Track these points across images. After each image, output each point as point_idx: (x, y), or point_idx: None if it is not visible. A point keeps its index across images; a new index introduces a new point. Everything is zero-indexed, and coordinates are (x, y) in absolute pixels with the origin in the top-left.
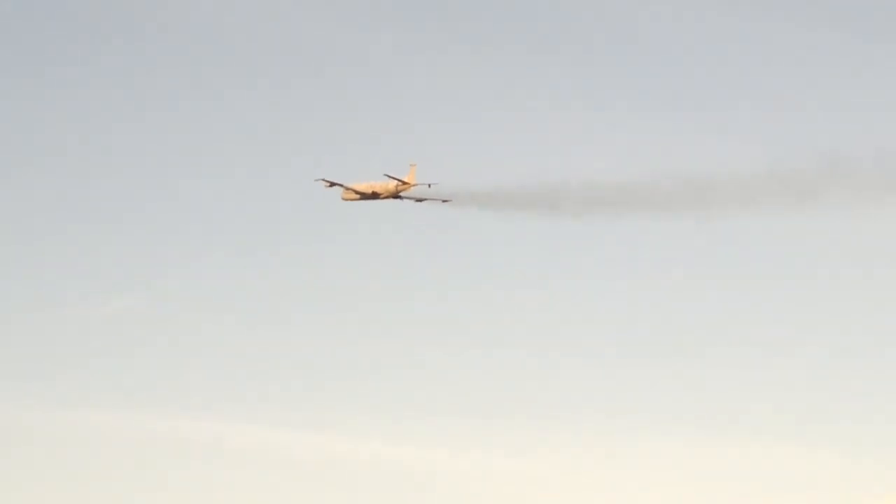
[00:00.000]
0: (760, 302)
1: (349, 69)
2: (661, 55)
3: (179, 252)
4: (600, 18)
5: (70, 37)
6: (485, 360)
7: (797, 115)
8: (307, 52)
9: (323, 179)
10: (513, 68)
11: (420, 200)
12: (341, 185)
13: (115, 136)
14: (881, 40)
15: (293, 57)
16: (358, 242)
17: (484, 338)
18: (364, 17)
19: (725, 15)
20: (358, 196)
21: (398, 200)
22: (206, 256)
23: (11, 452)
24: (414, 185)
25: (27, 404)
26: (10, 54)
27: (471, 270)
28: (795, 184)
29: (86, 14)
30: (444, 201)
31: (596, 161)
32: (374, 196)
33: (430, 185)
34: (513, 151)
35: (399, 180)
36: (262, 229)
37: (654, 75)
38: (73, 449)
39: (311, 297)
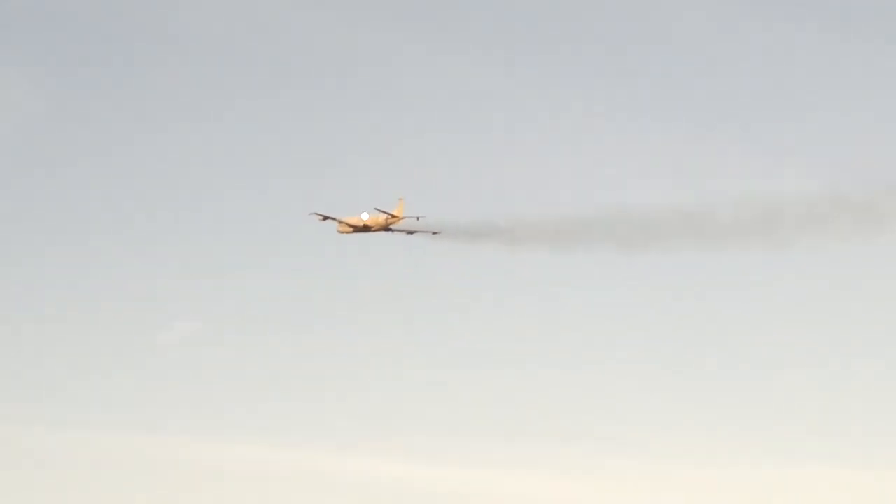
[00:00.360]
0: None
1: (344, 87)
2: (644, 62)
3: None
4: (596, 34)
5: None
6: (469, 380)
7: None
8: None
9: (316, 213)
10: (498, 100)
11: (411, 233)
12: (334, 219)
13: (126, 160)
14: None
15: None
16: (377, 274)
17: (478, 358)
18: (356, 45)
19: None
20: (352, 229)
21: (390, 233)
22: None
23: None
24: (402, 219)
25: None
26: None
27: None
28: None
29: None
30: (433, 233)
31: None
32: (366, 229)
33: (417, 218)
34: (503, 185)
35: (388, 214)
36: (279, 262)
37: (647, 88)
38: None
39: (332, 317)
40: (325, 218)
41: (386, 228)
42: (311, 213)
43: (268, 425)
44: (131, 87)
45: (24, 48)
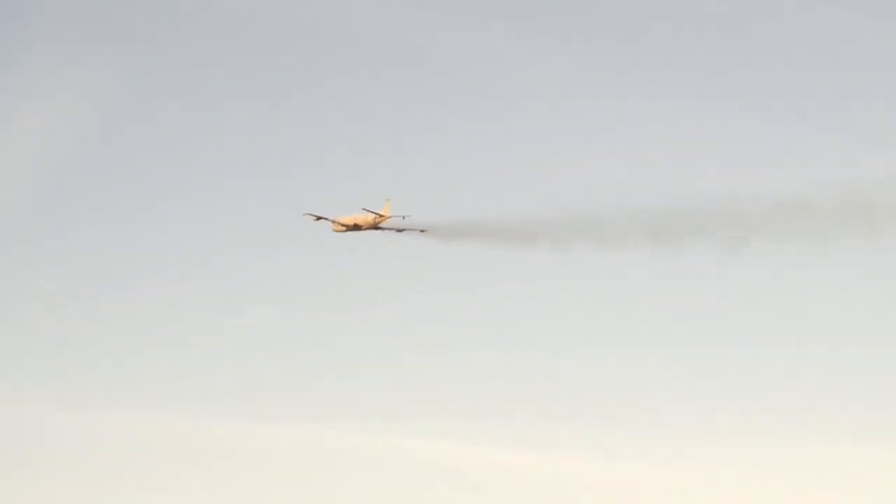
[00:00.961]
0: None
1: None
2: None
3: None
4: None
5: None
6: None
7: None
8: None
9: (309, 213)
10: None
11: (400, 231)
12: (326, 219)
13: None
14: None
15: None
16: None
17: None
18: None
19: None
20: (344, 228)
21: (380, 231)
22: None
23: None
24: (390, 218)
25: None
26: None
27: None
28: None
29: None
30: (421, 231)
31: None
32: (357, 228)
33: (404, 217)
34: (487, 185)
35: (376, 213)
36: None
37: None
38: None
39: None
40: (318, 218)
41: (376, 227)
42: (304, 214)
43: (329, 408)
44: (204, 79)
45: (108, 38)
